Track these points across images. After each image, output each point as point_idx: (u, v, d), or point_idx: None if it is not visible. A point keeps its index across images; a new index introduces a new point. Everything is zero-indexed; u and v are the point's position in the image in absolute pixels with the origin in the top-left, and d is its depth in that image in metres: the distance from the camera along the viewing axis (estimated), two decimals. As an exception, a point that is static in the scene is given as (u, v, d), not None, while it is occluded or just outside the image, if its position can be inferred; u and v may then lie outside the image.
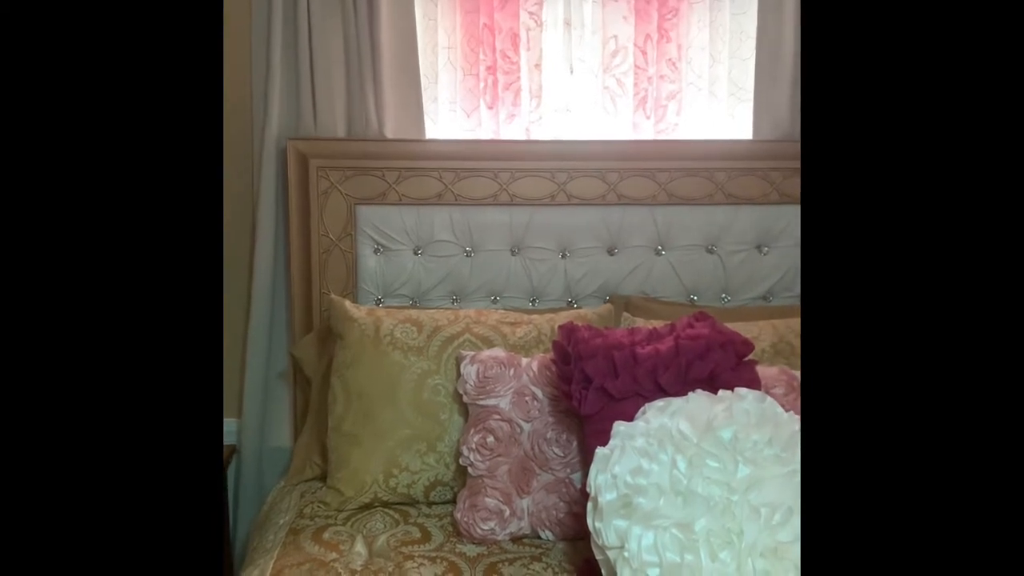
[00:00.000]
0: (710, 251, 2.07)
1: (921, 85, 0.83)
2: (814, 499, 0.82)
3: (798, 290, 2.08)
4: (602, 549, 1.25)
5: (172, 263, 0.84)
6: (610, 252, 2.05)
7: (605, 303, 2.00)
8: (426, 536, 1.55)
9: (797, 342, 1.76)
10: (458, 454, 1.61)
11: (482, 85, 2.08)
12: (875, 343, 0.83)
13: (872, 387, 0.82)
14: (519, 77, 2.08)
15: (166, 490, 0.83)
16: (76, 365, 0.80)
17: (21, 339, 0.79)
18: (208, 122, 0.88)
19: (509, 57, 2.08)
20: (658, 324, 1.62)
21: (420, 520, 1.61)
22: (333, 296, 1.90)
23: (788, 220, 2.05)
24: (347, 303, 1.84)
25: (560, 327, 1.56)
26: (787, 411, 1.35)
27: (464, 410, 1.65)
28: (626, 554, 1.19)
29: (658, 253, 2.06)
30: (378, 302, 2.01)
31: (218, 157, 0.93)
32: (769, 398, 1.35)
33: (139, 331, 0.83)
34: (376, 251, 2.01)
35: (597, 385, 1.44)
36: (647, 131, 2.13)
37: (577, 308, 1.99)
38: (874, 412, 0.82)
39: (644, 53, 2.10)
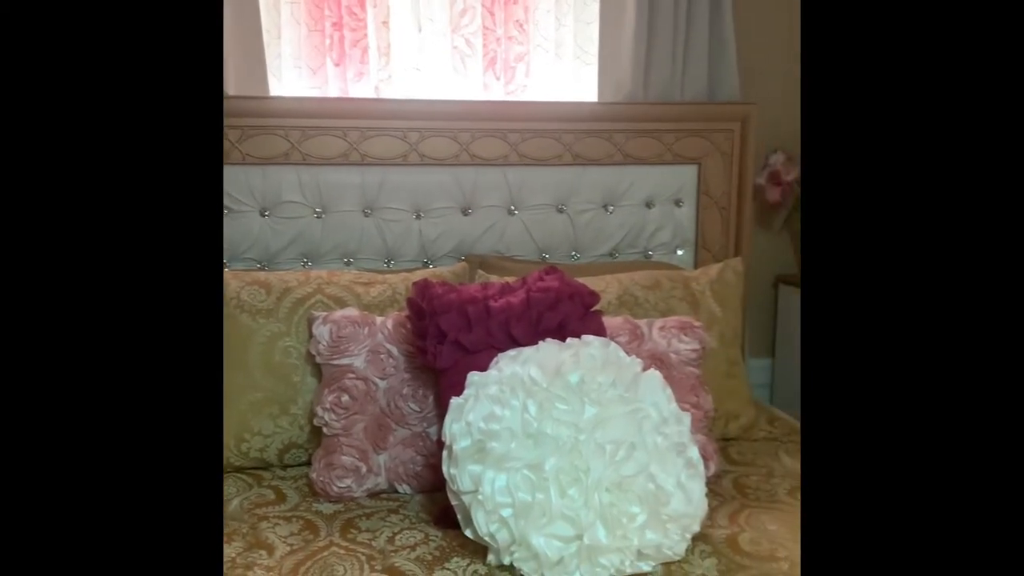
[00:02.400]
0: (560, 210, 2.13)
1: (922, 75, 0.82)
2: (815, 490, 0.82)
3: (641, 247, 2.19)
4: (457, 495, 1.28)
5: (172, 253, 0.80)
6: (464, 212, 2.07)
7: (460, 263, 2.02)
8: (281, 497, 1.53)
9: (640, 294, 1.85)
10: (312, 415, 1.59)
11: (328, 42, 2.03)
12: (875, 327, 0.81)
13: (871, 368, 0.81)
14: (367, 34, 2.05)
15: (165, 486, 0.79)
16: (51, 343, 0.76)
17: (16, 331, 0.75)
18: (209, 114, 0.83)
19: (356, 14, 2.04)
20: (511, 280, 1.66)
21: (275, 483, 1.59)
22: (174, 260, 1.80)
23: (631, 181, 2.15)
24: (190, 266, 1.76)
25: (414, 283, 1.57)
26: (630, 356, 1.43)
27: (317, 371, 1.63)
28: (480, 497, 1.23)
29: (511, 213, 2.09)
30: (224, 266, 1.93)
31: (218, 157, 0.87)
32: (613, 344, 1.43)
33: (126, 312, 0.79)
34: (220, 213, 1.93)
35: (452, 339, 1.47)
36: (497, 92, 2.15)
37: (432, 268, 2.00)
38: (872, 392, 0.81)
39: (492, 14, 2.12)
